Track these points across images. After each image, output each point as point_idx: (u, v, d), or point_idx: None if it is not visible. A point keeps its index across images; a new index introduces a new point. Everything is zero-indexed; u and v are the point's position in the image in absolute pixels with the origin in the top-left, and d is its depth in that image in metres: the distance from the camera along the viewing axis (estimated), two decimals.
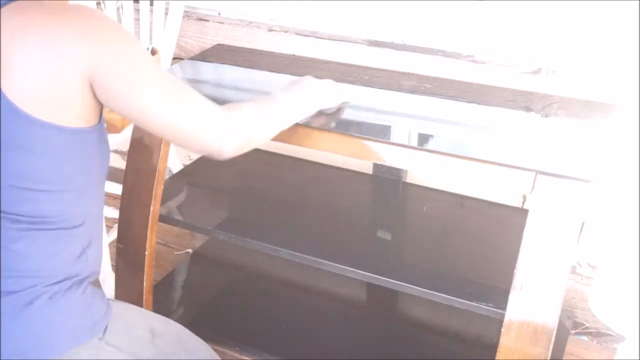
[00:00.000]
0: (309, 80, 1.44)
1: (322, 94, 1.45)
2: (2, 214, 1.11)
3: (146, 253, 1.71)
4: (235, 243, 1.68)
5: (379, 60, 1.95)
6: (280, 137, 1.52)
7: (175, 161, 2.08)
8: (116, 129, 1.78)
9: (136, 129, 1.68)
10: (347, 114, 1.61)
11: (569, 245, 1.30)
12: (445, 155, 1.37)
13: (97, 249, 1.27)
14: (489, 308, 1.39)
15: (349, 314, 1.88)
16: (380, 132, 1.49)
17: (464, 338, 1.78)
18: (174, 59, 2.01)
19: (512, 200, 1.82)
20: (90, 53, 1.08)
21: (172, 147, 1.70)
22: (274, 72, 1.81)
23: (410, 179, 1.89)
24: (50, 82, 1.07)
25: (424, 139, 1.46)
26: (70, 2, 1.16)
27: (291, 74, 1.78)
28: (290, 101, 1.38)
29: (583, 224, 1.52)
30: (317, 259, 1.56)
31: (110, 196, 2.22)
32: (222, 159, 1.23)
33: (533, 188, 1.31)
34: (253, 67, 1.85)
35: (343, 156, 1.50)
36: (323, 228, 1.69)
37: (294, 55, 1.95)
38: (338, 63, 1.87)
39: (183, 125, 1.17)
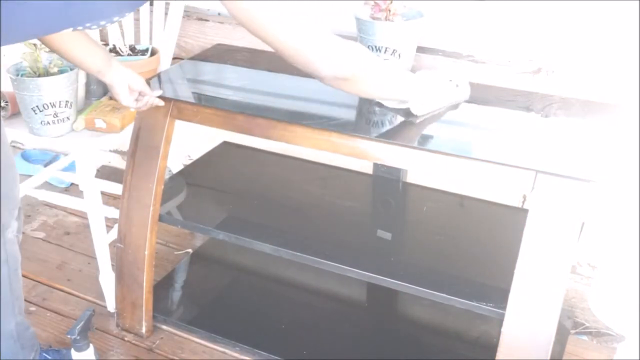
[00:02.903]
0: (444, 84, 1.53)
1: (442, 99, 1.53)
2: None
3: (146, 253, 1.71)
4: (235, 243, 1.68)
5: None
6: (281, 137, 1.53)
7: (175, 161, 2.08)
8: (116, 129, 1.78)
9: (136, 129, 1.68)
10: (347, 114, 1.61)
11: (569, 245, 1.30)
12: (445, 155, 1.37)
13: None
14: (489, 308, 1.39)
15: (349, 314, 1.88)
16: (380, 132, 1.49)
17: (464, 338, 1.78)
18: (174, 59, 2.00)
19: (512, 200, 1.82)
20: None
21: (172, 147, 1.69)
22: (274, 72, 1.81)
23: (410, 179, 1.90)
24: None
25: (424, 139, 1.46)
26: None
27: (291, 74, 1.78)
28: (412, 82, 1.46)
29: (583, 224, 1.52)
30: (317, 259, 1.56)
31: (110, 196, 2.23)
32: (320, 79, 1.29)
33: (533, 188, 1.31)
34: (253, 67, 1.86)
35: (343, 156, 1.50)
36: (323, 228, 1.69)
37: None
38: None
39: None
